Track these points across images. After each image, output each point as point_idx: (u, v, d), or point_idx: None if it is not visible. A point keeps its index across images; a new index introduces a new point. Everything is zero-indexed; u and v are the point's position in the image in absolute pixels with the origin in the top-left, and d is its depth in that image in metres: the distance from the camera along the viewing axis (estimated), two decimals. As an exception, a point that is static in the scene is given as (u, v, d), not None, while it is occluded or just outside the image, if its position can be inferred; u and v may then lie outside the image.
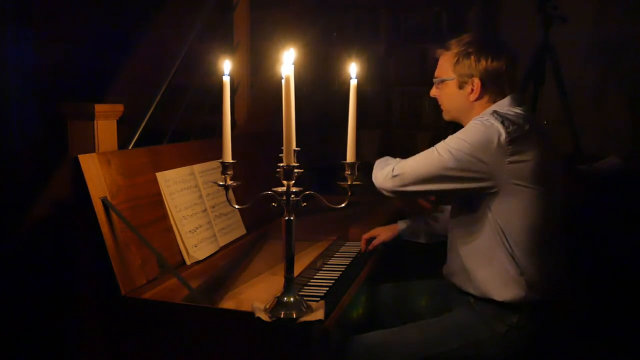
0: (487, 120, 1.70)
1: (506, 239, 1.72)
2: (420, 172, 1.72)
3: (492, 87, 1.81)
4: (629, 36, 3.63)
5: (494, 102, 1.82)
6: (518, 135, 1.66)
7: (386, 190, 1.80)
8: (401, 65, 4.20)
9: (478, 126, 1.70)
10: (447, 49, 1.87)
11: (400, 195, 1.79)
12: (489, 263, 1.75)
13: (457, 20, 4.06)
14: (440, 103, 1.93)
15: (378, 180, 1.82)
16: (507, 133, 1.65)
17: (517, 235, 1.72)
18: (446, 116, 1.93)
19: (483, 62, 1.79)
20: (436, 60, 1.92)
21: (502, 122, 1.67)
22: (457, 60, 1.82)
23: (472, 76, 1.80)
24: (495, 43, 1.85)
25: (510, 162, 1.66)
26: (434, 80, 1.91)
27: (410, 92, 4.23)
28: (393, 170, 1.76)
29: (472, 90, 1.81)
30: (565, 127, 3.28)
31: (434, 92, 1.93)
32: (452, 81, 1.84)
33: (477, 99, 1.82)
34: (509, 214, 1.71)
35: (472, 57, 1.79)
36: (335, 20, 4.23)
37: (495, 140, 1.65)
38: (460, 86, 1.83)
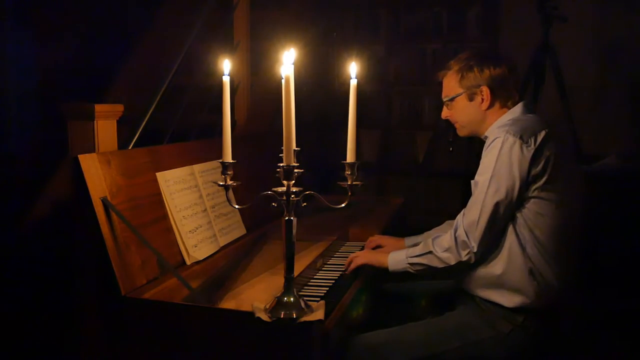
0: (506, 140, 1.71)
1: (523, 248, 1.73)
2: (482, 224, 1.72)
3: (500, 93, 1.85)
4: (629, 36, 3.63)
5: (505, 107, 1.86)
6: (537, 144, 1.70)
7: (469, 258, 1.76)
8: (401, 65, 4.20)
9: (501, 152, 1.72)
10: (448, 69, 1.92)
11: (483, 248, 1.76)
12: (501, 270, 1.75)
13: (457, 20, 4.06)
14: (454, 122, 1.95)
15: (464, 258, 1.75)
16: (525, 143, 1.69)
17: (538, 241, 1.73)
18: (462, 132, 1.95)
19: (486, 71, 1.84)
20: (440, 84, 1.96)
21: (521, 137, 1.70)
22: (462, 75, 1.87)
23: (479, 86, 1.84)
24: (492, 53, 1.94)
25: (536, 168, 1.70)
26: (444, 100, 1.94)
27: (410, 92, 4.22)
28: (471, 244, 1.73)
29: (483, 99, 1.85)
30: (565, 127, 3.28)
31: (445, 113, 1.96)
32: (461, 96, 1.88)
33: (489, 107, 1.86)
34: (532, 220, 1.73)
35: (475, 68, 1.85)
36: (335, 20, 4.23)
37: (519, 154, 1.69)
38: (471, 98, 1.87)
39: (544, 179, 1.71)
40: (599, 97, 3.71)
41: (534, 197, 1.72)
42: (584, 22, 3.59)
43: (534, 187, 1.71)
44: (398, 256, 1.89)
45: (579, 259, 1.84)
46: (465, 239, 1.73)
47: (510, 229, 1.75)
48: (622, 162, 3.32)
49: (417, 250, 1.85)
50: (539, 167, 1.70)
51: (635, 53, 3.62)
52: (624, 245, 2.94)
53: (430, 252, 1.81)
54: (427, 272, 1.84)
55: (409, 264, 1.86)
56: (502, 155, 1.71)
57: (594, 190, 2.99)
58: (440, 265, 1.79)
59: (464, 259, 1.74)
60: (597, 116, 3.69)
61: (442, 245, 1.78)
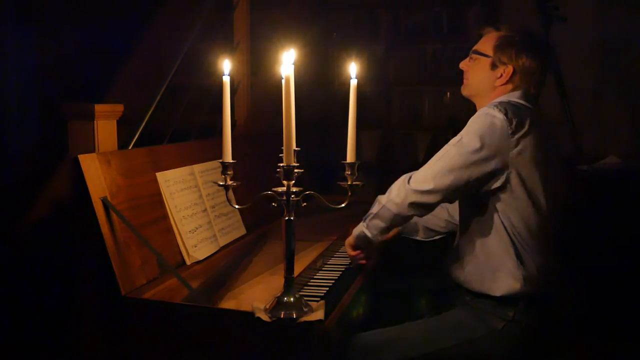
0: (490, 112, 1.74)
1: (508, 233, 1.75)
2: (435, 169, 1.74)
3: (520, 79, 1.84)
4: (629, 36, 3.63)
5: (515, 92, 1.86)
6: (519, 125, 1.71)
7: (406, 203, 1.76)
8: (401, 65, 4.19)
9: (482, 117, 1.74)
10: (496, 29, 1.90)
11: (419, 204, 1.76)
12: (488, 257, 1.78)
13: (457, 20, 4.05)
14: (465, 77, 1.94)
15: (394, 197, 1.78)
16: (509, 122, 1.70)
17: (518, 229, 1.74)
18: (465, 90, 1.95)
19: (523, 58, 1.82)
20: (479, 36, 1.94)
21: (505, 113, 1.71)
22: (501, 44, 1.85)
23: (506, 64, 1.83)
24: (540, 43, 1.90)
25: (514, 149, 1.70)
26: (472, 51, 1.92)
27: (410, 92, 4.22)
28: (409, 180, 1.76)
29: (502, 75, 1.84)
30: (565, 127, 3.28)
31: (464, 64, 1.94)
32: (487, 59, 1.86)
33: (502, 85, 1.85)
34: (511, 207, 1.74)
35: (514, 48, 1.83)
36: (335, 20, 4.23)
37: (499, 128, 1.70)
38: (493, 67, 1.86)
39: (521, 162, 1.71)
40: (599, 97, 3.71)
41: (513, 183, 1.72)
42: (584, 22, 3.59)
43: (511, 170, 1.71)
44: (359, 224, 1.93)
45: (559, 250, 1.85)
46: (410, 175, 1.77)
47: (496, 214, 1.76)
48: (622, 162, 3.32)
49: (374, 209, 1.89)
50: (516, 146, 1.70)
51: (635, 53, 3.62)
52: (623, 246, 2.94)
53: (376, 202, 1.85)
54: (381, 227, 1.85)
55: (364, 222, 1.88)
56: (484, 123, 1.72)
57: (594, 190, 2.99)
58: (378, 208, 1.82)
59: (397, 183, 1.78)
60: (597, 116, 3.69)
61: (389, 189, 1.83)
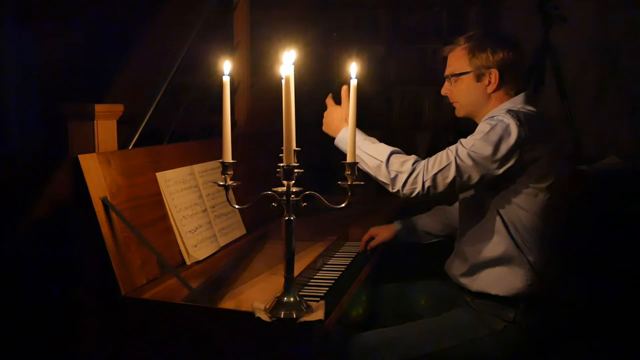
0: (502, 119, 1.71)
1: (510, 234, 1.75)
2: (447, 181, 1.70)
3: (508, 79, 1.82)
4: (629, 36, 3.63)
5: (510, 94, 1.83)
6: (531, 134, 1.69)
7: (409, 197, 1.74)
8: (401, 65, 4.19)
9: (494, 126, 1.70)
10: (457, 44, 1.87)
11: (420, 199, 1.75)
12: (490, 257, 1.78)
13: (457, 20, 4.05)
14: (453, 100, 1.91)
15: (403, 190, 1.74)
16: (521, 131, 1.67)
17: (521, 228, 1.74)
18: (460, 112, 1.91)
19: (500, 54, 1.79)
20: (444, 59, 1.91)
21: (518, 120, 1.69)
22: (473, 54, 1.81)
23: (489, 68, 1.80)
24: (505, 36, 1.87)
25: (522, 159, 1.69)
26: (447, 77, 1.89)
27: (410, 92, 4.22)
28: (424, 185, 1.70)
29: (490, 82, 1.81)
30: (565, 127, 3.28)
31: (446, 89, 1.91)
32: (468, 75, 1.83)
33: (494, 91, 1.82)
34: (514, 207, 1.74)
35: (489, 49, 1.80)
36: (335, 20, 4.23)
37: (511, 138, 1.67)
38: (478, 79, 1.82)
39: (528, 169, 1.70)
40: (599, 97, 3.71)
41: (517, 185, 1.72)
42: (584, 22, 3.59)
43: (519, 173, 1.70)
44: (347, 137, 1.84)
45: (560, 256, 1.85)
46: (422, 177, 1.69)
47: (497, 215, 1.75)
48: (622, 162, 3.32)
49: (372, 149, 1.81)
50: (525, 155, 1.68)
51: (636, 53, 3.62)
52: (623, 246, 2.94)
53: (381, 162, 1.76)
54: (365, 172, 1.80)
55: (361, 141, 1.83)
56: (496, 129, 1.69)
57: (594, 190, 2.99)
58: (378, 177, 1.76)
59: (403, 192, 1.71)
60: (597, 116, 3.69)
61: (396, 164, 1.75)
